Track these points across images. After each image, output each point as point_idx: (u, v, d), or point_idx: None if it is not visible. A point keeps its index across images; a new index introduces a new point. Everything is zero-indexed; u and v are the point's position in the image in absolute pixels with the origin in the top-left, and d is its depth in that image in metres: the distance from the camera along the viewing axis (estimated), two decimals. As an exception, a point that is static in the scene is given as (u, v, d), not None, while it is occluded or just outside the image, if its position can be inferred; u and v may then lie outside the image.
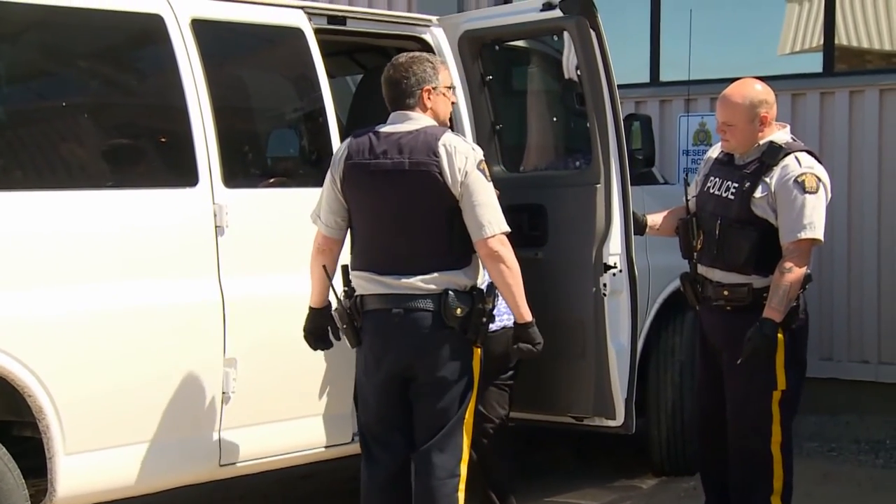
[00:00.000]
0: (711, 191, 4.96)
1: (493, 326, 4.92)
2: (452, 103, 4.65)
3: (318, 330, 4.71)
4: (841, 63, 8.09)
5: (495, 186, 4.48)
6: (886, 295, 7.63)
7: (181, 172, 4.84)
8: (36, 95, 4.81)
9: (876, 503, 6.21)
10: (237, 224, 4.90)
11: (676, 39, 7.56)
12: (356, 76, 6.76)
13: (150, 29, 4.83)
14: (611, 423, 5.47)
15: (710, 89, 7.20)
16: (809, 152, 4.89)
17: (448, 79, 4.57)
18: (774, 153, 4.82)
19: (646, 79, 8.40)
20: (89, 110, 4.84)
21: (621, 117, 5.42)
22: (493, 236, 4.37)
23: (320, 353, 4.83)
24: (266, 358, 4.97)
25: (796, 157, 4.81)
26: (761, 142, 4.87)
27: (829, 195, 4.84)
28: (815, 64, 8.05)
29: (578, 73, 5.51)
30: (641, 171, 6.29)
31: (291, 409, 5.10)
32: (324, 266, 4.58)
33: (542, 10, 5.52)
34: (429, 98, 4.47)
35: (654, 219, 5.30)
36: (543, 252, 5.60)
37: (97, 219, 4.59)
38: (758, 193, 4.80)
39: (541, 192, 5.72)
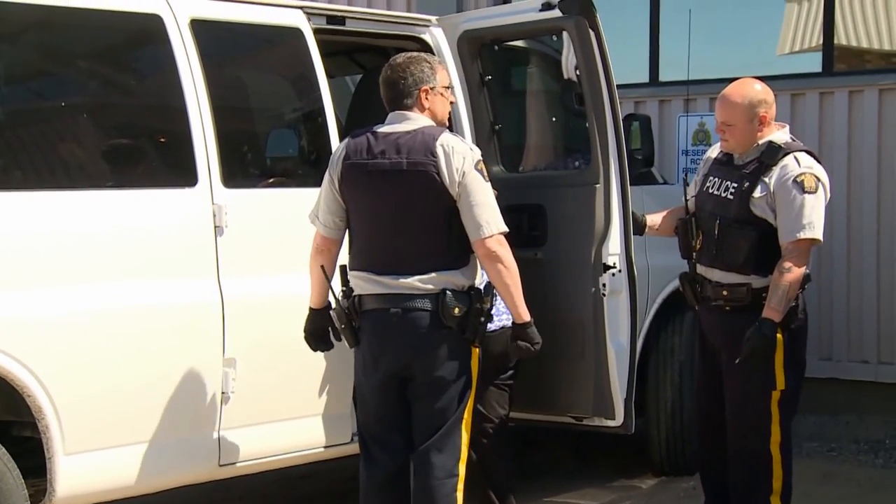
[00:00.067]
0: (710, 191, 4.97)
1: (492, 326, 4.93)
2: (451, 103, 4.65)
3: (319, 331, 4.71)
4: (840, 63, 8.09)
5: (494, 186, 4.48)
6: (886, 295, 7.63)
7: (180, 172, 4.84)
8: (35, 95, 4.81)
9: (876, 503, 6.21)
10: (236, 224, 4.90)
11: (676, 39, 7.56)
12: (355, 76, 6.76)
13: (150, 29, 4.83)
14: (610, 423, 5.47)
15: (710, 89, 7.20)
16: (808, 152, 4.89)
17: (446, 79, 4.57)
18: (773, 153, 4.82)
19: (645, 79, 8.40)
20: (88, 110, 4.84)
21: (620, 117, 5.42)
22: (491, 236, 4.37)
23: (320, 353, 4.83)
24: (265, 358, 4.97)
25: (795, 157, 4.81)
26: (760, 142, 4.87)
27: (829, 195, 4.85)
28: (814, 64, 8.05)
29: (577, 73, 5.51)
30: (641, 171, 6.29)
31: (291, 409, 5.11)
32: (322, 266, 4.58)
33: (541, 10, 5.52)
34: (426, 98, 4.48)
35: (654, 219, 5.30)
36: (543, 252, 5.60)
37: (96, 219, 4.59)
38: (757, 193, 4.80)
39: (540, 192, 5.72)
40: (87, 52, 4.90)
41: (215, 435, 4.87)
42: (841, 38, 8.05)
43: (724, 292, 4.88)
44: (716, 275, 4.92)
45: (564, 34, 5.63)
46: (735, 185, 4.86)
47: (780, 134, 4.91)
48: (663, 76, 8.32)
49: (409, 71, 4.46)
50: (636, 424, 5.50)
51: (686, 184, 5.18)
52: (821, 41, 8.02)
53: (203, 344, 4.82)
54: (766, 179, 4.80)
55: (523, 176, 6.13)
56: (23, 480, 4.38)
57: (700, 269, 4.99)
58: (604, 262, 5.37)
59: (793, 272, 4.71)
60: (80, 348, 4.49)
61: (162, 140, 5.03)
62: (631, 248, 5.38)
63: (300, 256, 4.72)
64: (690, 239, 4.99)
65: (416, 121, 4.46)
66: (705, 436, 5.18)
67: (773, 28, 8.45)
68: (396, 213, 4.40)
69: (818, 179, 4.78)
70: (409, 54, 4.57)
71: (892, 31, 8.16)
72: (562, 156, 6.45)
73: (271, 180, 5.25)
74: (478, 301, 4.42)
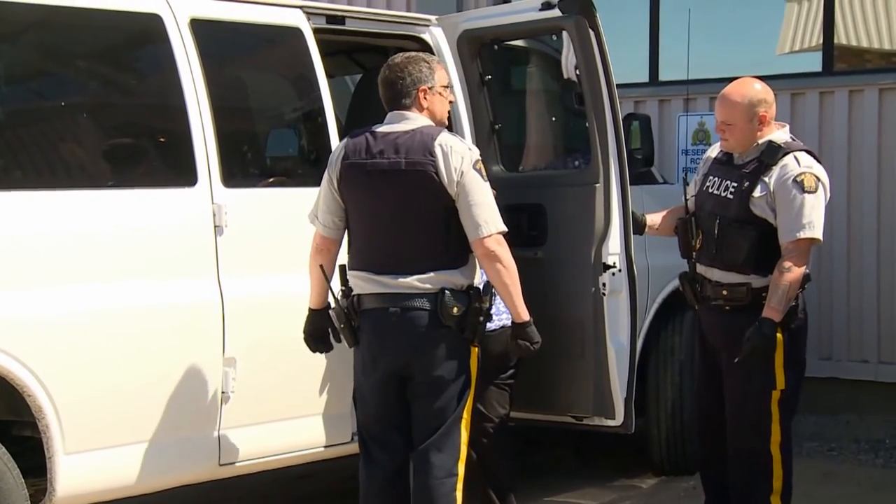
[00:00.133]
0: (710, 190, 4.96)
1: (492, 326, 4.93)
2: (450, 102, 4.65)
3: (318, 332, 4.71)
4: (840, 62, 8.09)
5: (492, 186, 4.48)
6: (886, 294, 7.63)
7: (180, 172, 4.84)
8: (35, 95, 4.81)
9: (876, 503, 6.21)
10: (236, 224, 4.90)
11: (675, 39, 7.56)
12: (355, 76, 6.77)
13: (149, 29, 4.83)
14: (610, 422, 5.47)
15: (710, 89, 7.20)
16: (808, 152, 4.89)
17: (444, 78, 4.57)
18: (773, 153, 4.82)
19: (645, 78, 8.40)
20: (88, 110, 4.84)
21: (620, 117, 5.42)
22: (490, 236, 4.37)
23: (320, 353, 4.83)
24: (265, 357, 4.97)
25: (795, 157, 4.81)
26: (760, 141, 4.87)
27: (829, 195, 4.84)
28: (814, 63, 8.05)
29: (577, 72, 5.51)
30: (640, 170, 6.29)
31: (291, 409, 5.11)
32: (321, 266, 4.58)
33: (540, 10, 5.52)
34: (425, 98, 4.48)
35: (654, 218, 5.30)
36: (543, 252, 5.60)
37: (96, 218, 4.59)
38: (757, 193, 4.80)
39: (540, 191, 5.72)
40: (87, 52, 4.90)
41: (215, 434, 4.87)
42: (841, 38, 8.05)
43: (724, 292, 4.88)
44: (715, 274, 4.92)
45: (564, 34, 5.62)
46: (735, 184, 4.86)
47: (779, 133, 4.91)
48: (663, 76, 8.33)
49: (408, 71, 4.47)
50: (636, 424, 5.50)
51: (686, 183, 5.18)
52: (821, 41, 8.02)
53: (203, 343, 4.82)
54: (766, 179, 4.80)
55: (523, 175, 6.13)
56: (23, 480, 4.38)
57: (700, 268, 4.99)
58: (604, 261, 5.37)
59: (793, 272, 4.71)
60: (80, 348, 4.49)
61: (162, 140, 5.03)
62: (631, 248, 5.38)
63: (300, 256, 4.72)
64: (690, 238, 4.99)
65: (414, 120, 4.46)
66: (705, 435, 5.18)
67: (773, 27, 8.45)
68: (395, 212, 4.40)
69: (818, 179, 4.78)
70: (408, 54, 4.57)
71: (892, 30, 8.16)
72: (562, 155, 6.45)
73: (271, 180, 5.25)
74: (476, 300, 4.42)
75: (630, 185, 5.39)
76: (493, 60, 5.99)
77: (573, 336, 5.45)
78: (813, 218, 4.73)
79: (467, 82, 5.86)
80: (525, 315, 4.50)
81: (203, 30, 4.92)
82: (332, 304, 4.59)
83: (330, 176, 4.53)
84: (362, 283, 4.47)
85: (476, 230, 4.37)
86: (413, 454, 4.49)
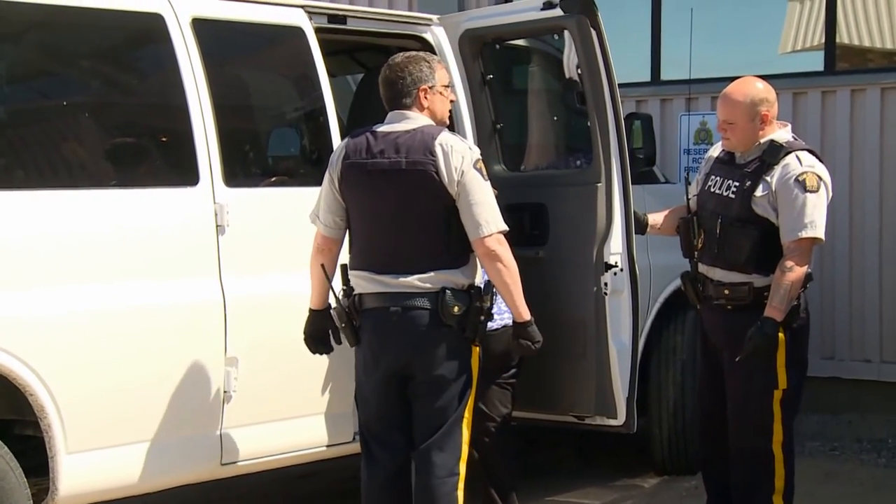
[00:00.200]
0: (712, 190, 4.96)
1: (494, 325, 4.93)
2: (451, 102, 4.65)
3: (319, 333, 4.70)
4: (842, 62, 8.09)
5: (494, 185, 4.48)
6: (888, 293, 7.62)
7: (182, 171, 4.85)
8: (37, 95, 4.81)
9: (878, 502, 6.21)
10: (238, 223, 4.90)
11: (677, 38, 7.56)
12: (357, 75, 6.77)
13: (151, 28, 4.83)
14: (612, 422, 5.47)
15: (711, 88, 7.19)
16: (810, 151, 4.88)
17: (445, 77, 4.57)
18: (775, 152, 4.82)
19: (647, 78, 8.40)
20: (90, 110, 4.84)
21: (622, 116, 5.42)
22: (490, 235, 4.37)
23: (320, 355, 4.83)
24: (267, 357, 4.97)
25: (797, 156, 4.81)
26: (762, 140, 4.87)
27: (831, 194, 4.84)
28: (816, 62, 8.05)
29: (579, 71, 5.51)
30: (642, 170, 6.29)
31: (293, 408, 5.11)
32: (322, 266, 4.59)
33: (542, 9, 5.51)
34: (426, 97, 4.48)
35: (655, 218, 5.30)
36: (544, 251, 5.60)
37: (98, 218, 4.59)
38: (759, 192, 4.80)
39: (542, 191, 5.72)
40: (89, 52, 4.90)
41: (217, 434, 4.87)
42: (843, 37, 8.05)
43: (726, 291, 4.88)
44: (717, 274, 4.91)
45: (566, 33, 5.62)
46: (737, 183, 4.86)
47: (781, 133, 4.91)
48: (665, 75, 8.33)
49: (408, 70, 4.47)
50: (638, 423, 5.50)
51: (688, 183, 5.17)
52: (823, 40, 8.01)
53: (205, 343, 4.82)
54: (768, 178, 4.80)
55: (525, 175, 6.13)
56: (25, 479, 4.38)
57: (702, 268, 4.99)
58: (606, 261, 5.37)
59: (794, 271, 4.71)
60: (81, 347, 4.49)
61: (163, 139, 5.03)
62: (633, 248, 5.38)
63: (302, 255, 4.72)
64: (692, 238, 4.99)
65: (415, 120, 4.46)
66: (707, 435, 5.18)
67: (775, 27, 8.44)
68: (396, 212, 4.40)
69: (820, 178, 4.78)
70: (408, 54, 4.57)
71: (894, 29, 8.16)
72: (563, 155, 6.45)
73: (273, 179, 5.25)
74: (477, 300, 4.42)
75: (632, 184, 5.39)
76: (494, 60, 5.99)
77: (575, 336, 5.45)
78: (815, 217, 4.73)
79: (469, 82, 5.86)
80: (526, 314, 4.50)
81: (205, 29, 4.92)
82: (334, 304, 4.59)
83: (331, 176, 4.53)
84: (363, 283, 4.47)
85: (477, 229, 4.37)
86: (414, 453, 4.49)
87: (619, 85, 5.39)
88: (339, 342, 4.68)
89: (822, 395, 7.36)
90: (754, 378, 4.80)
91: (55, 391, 4.39)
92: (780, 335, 4.73)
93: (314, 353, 4.75)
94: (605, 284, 5.37)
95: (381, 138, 4.44)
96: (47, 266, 4.44)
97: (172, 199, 4.80)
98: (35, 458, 4.46)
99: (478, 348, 4.51)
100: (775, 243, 4.78)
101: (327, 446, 5.24)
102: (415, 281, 4.38)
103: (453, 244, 4.41)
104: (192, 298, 4.78)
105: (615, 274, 5.36)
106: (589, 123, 5.48)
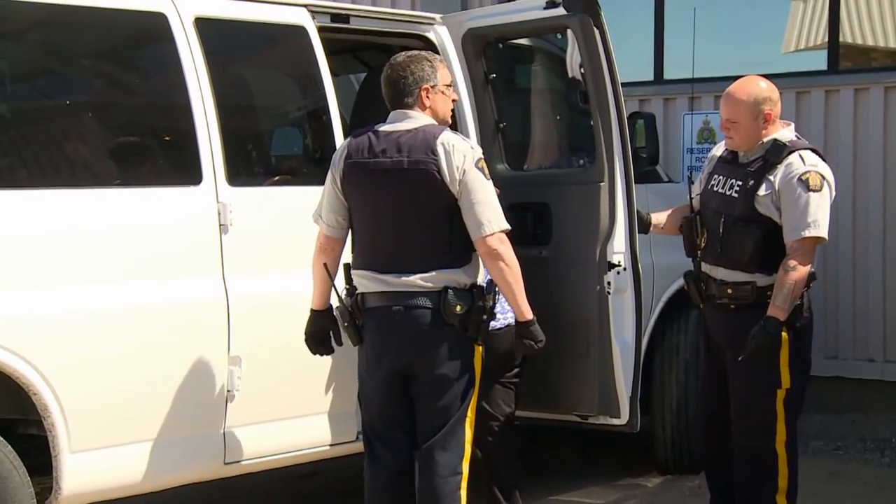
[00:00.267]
0: (715, 189, 4.96)
1: (497, 324, 4.93)
2: (453, 101, 4.65)
3: (320, 333, 4.70)
4: (846, 60, 8.08)
5: (495, 185, 4.48)
6: (892, 293, 7.62)
7: (185, 171, 4.85)
8: (40, 94, 4.82)
9: (882, 502, 6.20)
10: (241, 222, 4.90)
11: (680, 37, 7.56)
12: (360, 74, 6.77)
13: (154, 27, 4.83)
14: (615, 421, 5.47)
15: (715, 87, 7.19)
16: (814, 150, 4.88)
17: (447, 77, 4.57)
18: (778, 151, 4.82)
19: (650, 77, 8.40)
20: (93, 109, 4.84)
21: (625, 115, 5.42)
22: (493, 234, 4.37)
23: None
24: (270, 356, 4.97)
25: (800, 155, 4.81)
26: (765, 139, 4.87)
27: (834, 193, 4.84)
28: (819, 61, 8.04)
29: (582, 71, 5.50)
30: (645, 169, 6.28)
31: (296, 408, 5.11)
32: (325, 265, 4.59)
33: (545, 8, 5.52)
34: (427, 97, 4.48)
35: (658, 217, 5.30)
36: (547, 250, 5.60)
37: (101, 217, 4.60)
38: (762, 191, 4.80)
39: (545, 190, 5.72)
40: (92, 51, 4.90)
41: (220, 433, 4.87)
42: (846, 36, 8.04)
43: (729, 290, 4.87)
44: (720, 273, 4.91)
45: (569, 32, 5.62)
46: (740, 183, 4.86)
47: (785, 132, 4.90)
48: (668, 74, 8.32)
49: (410, 70, 4.47)
50: (641, 423, 5.50)
51: (691, 182, 5.17)
52: (826, 39, 8.00)
53: (208, 342, 4.82)
54: (771, 177, 4.79)
55: (528, 174, 6.13)
56: (29, 478, 4.39)
57: (705, 267, 4.99)
58: (609, 260, 5.37)
59: (798, 270, 4.70)
60: (85, 346, 4.49)
61: (166, 138, 5.03)
62: (636, 247, 5.38)
63: (305, 254, 4.72)
64: (695, 237, 4.98)
65: (417, 119, 4.46)
66: (710, 434, 5.17)
67: (778, 26, 8.44)
68: (398, 211, 4.40)
69: (823, 177, 4.77)
70: (410, 53, 4.57)
71: (897, 28, 8.16)
72: (566, 154, 6.45)
73: (276, 178, 5.26)
74: (480, 299, 4.42)
75: (635, 183, 5.39)
76: (497, 59, 5.99)
77: (578, 335, 5.45)
78: (818, 216, 4.72)
79: (472, 81, 5.86)
80: (528, 314, 4.50)
81: (208, 28, 4.92)
82: (336, 304, 4.59)
83: (333, 175, 4.53)
84: (366, 282, 4.47)
85: (479, 228, 4.37)
86: (417, 453, 4.49)
87: (622, 84, 5.39)
88: (339, 343, 4.68)
89: (825, 395, 7.35)
90: (757, 377, 4.80)
91: (59, 390, 4.40)
92: (784, 334, 4.73)
93: (315, 353, 4.75)
94: (609, 283, 5.37)
95: (384, 137, 4.44)
96: (51, 265, 4.45)
97: (175, 199, 4.80)
98: (39, 457, 4.47)
99: (480, 347, 4.51)
100: (778, 242, 4.78)
101: (330, 445, 5.25)
102: (417, 280, 4.38)
103: (455, 243, 4.41)
104: (195, 297, 4.78)
105: (618, 273, 5.37)
106: (592, 122, 5.48)
